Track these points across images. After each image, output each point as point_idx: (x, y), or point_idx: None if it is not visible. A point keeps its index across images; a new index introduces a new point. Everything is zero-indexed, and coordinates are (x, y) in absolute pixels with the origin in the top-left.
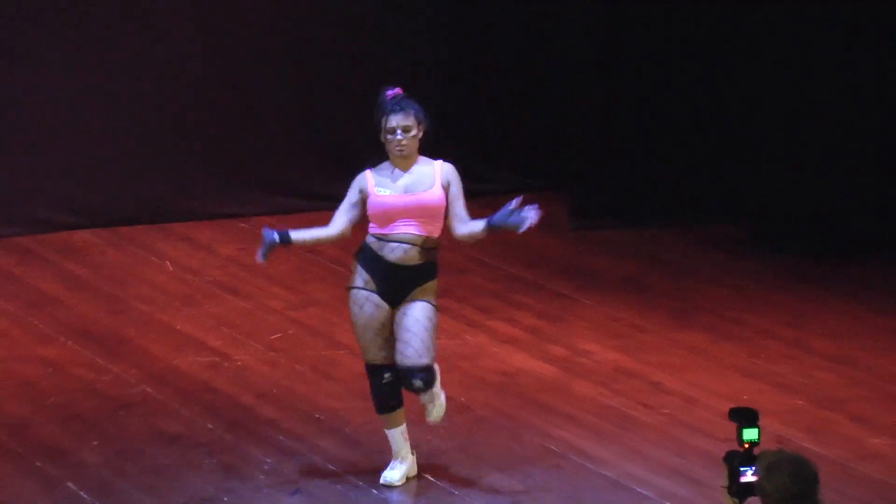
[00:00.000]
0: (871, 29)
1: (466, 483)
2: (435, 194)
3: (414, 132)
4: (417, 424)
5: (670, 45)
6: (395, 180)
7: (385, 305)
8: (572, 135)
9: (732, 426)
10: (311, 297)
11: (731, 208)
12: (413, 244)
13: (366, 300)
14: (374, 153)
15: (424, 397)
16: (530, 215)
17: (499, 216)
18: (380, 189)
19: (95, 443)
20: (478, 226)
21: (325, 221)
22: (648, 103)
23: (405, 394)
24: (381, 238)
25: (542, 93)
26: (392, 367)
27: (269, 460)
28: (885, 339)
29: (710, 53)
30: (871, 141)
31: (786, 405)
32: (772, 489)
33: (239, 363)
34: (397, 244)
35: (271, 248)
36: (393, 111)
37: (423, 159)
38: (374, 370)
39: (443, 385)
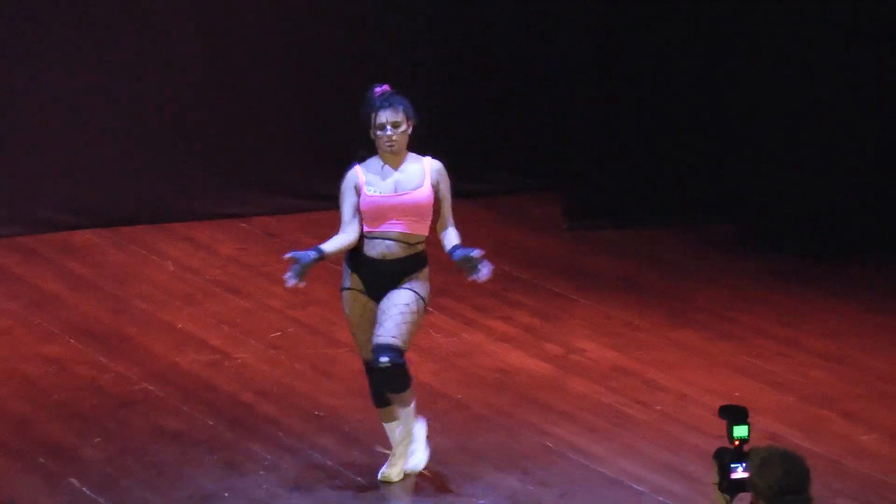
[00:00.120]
0: (869, 28)
1: (464, 480)
2: (424, 193)
3: (403, 128)
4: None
5: (668, 46)
6: (384, 178)
7: (372, 303)
8: (570, 135)
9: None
10: (310, 296)
11: (726, 209)
12: (396, 240)
13: (354, 300)
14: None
15: (394, 398)
16: (483, 272)
17: (459, 255)
18: (369, 188)
19: (97, 440)
20: (446, 242)
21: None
22: (646, 104)
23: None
24: (367, 236)
25: (541, 93)
26: None
27: (268, 457)
28: (877, 338)
29: (708, 54)
30: (865, 142)
31: (779, 403)
32: (764, 485)
33: (239, 361)
34: (380, 240)
35: (309, 267)
36: (382, 107)
37: (411, 156)
38: (368, 367)
39: (441, 383)
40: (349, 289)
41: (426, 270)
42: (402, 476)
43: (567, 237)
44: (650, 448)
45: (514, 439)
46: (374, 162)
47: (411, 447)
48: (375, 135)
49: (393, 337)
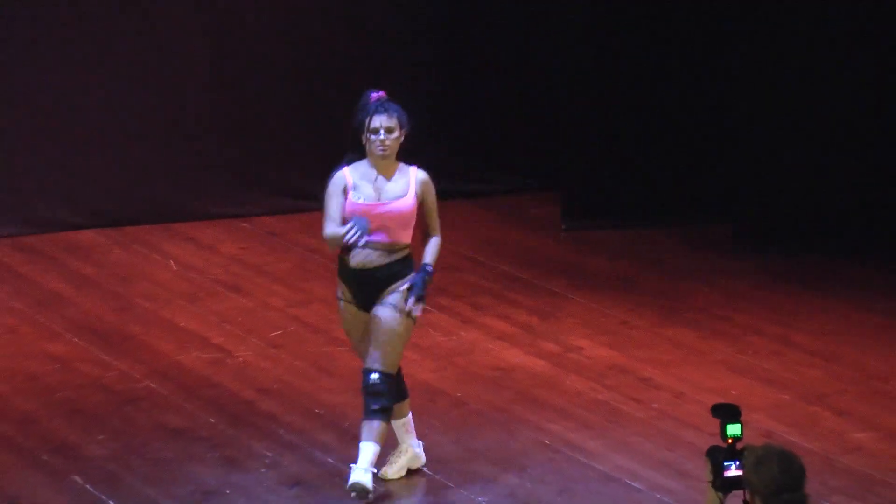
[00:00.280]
0: (866, 28)
1: (462, 476)
2: (407, 203)
3: (396, 134)
4: (416, 417)
5: (666, 46)
6: (370, 184)
7: (361, 313)
8: (568, 136)
9: None
10: (311, 295)
11: (720, 210)
12: (375, 248)
13: (345, 310)
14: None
15: (375, 426)
16: (415, 309)
17: (419, 283)
18: (355, 195)
19: (101, 437)
20: (423, 255)
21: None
22: (644, 105)
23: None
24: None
25: (540, 94)
26: None
27: (270, 454)
28: (870, 336)
29: (707, 54)
30: (859, 143)
31: (772, 400)
32: (760, 483)
33: (241, 359)
34: (359, 249)
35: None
36: (377, 111)
37: (400, 165)
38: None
39: (439, 381)
40: (340, 299)
41: (412, 275)
42: (403, 472)
43: (564, 237)
44: (646, 445)
45: (511, 436)
46: (362, 166)
47: (410, 447)
48: (368, 139)
49: (381, 363)
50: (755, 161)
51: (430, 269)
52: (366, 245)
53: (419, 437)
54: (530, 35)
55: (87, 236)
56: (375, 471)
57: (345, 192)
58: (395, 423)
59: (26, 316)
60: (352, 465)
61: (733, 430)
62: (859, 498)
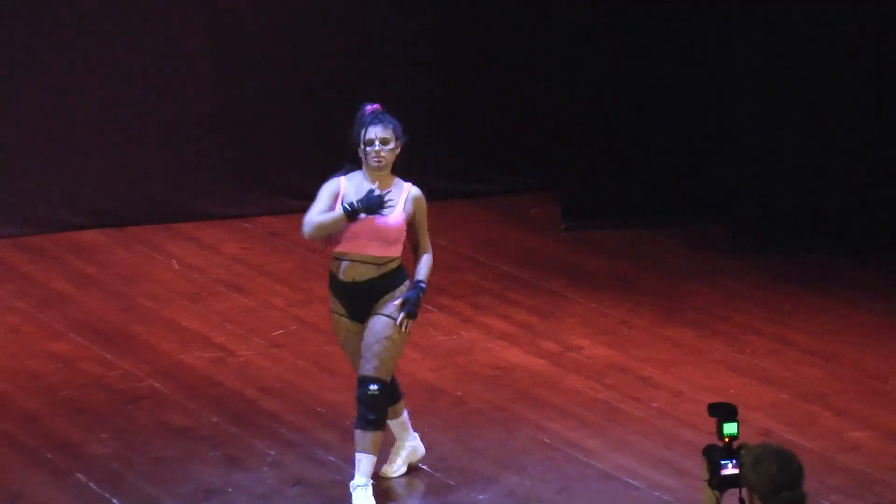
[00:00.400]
0: (866, 28)
1: (462, 474)
2: (396, 218)
3: (392, 146)
4: (416, 416)
5: (664, 47)
6: (362, 196)
7: (354, 326)
8: (568, 137)
9: None
10: (312, 295)
11: (719, 210)
12: (365, 262)
13: (338, 323)
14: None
15: (369, 436)
16: (406, 324)
17: (412, 299)
18: (345, 204)
19: (104, 435)
20: (415, 272)
21: None
22: (642, 106)
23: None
24: (339, 257)
25: (538, 94)
26: None
27: (272, 452)
28: (867, 336)
29: (704, 55)
30: (856, 144)
31: (771, 399)
32: (759, 481)
33: (243, 358)
34: (349, 262)
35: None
36: (373, 123)
37: (396, 180)
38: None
39: (440, 380)
40: (333, 312)
41: (404, 287)
42: (404, 469)
43: (564, 237)
44: (645, 443)
45: (511, 435)
46: (357, 177)
47: (407, 443)
48: (364, 151)
49: (377, 372)
50: (754, 161)
51: (423, 285)
52: (354, 258)
53: (419, 434)
54: (530, 35)
55: (89, 236)
56: (373, 482)
57: (335, 196)
58: (392, 423)
59: (29, 315)
60: (352, 483)
61: (730, 428)
62: (857, 497)
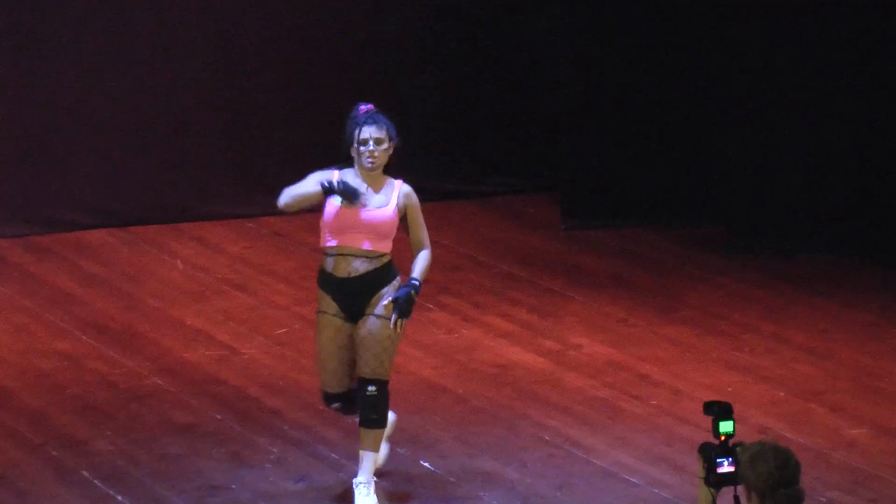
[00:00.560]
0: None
1: (463, 471)
2: (388, 213)
3: (385, 146)
4: (416, 414)
5: (662, 48)
6: None
7: (345, 327)
8: (567, 137)
9: None
10: (315, 293)
11: (716, 211)
12: (357, 256)
13: (328, 324)
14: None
15: (370, 435)
16: (398, 323)
17: (402, 298)
18: (337, 199)
19: (109, 433)
20: (412, 269)
21: None
22: (640, 108)
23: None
24: (330, 253)
25: (538, 94)
26: (344, 395)
27: (275, 449)
28: (859, 334)
29: (699, 55)
30: (852, 144)
31: (767, 397)
32: (757, 479)
33: (246, 356)
34: (342, 257)
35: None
36: (367, 123)
37: (388, 179)
38: (324, 395)
39: (441, 378)
40: (323, 312)
41: (396, 281)
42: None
43: (563, 237)
44: (644, 440)
45: (512, 432)
46: (350, 174)
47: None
48: (358, 150)
49: (375, 372)
50: (750, 162)
51: (416, 283)
52: (348, 252)
53: (420, 431)
54: (530, 35)
55: (96, 236)
56: (376, 479)
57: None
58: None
59: (36, 314)
60: (355, 481)
61: (726, 426)
62: (853, 493)
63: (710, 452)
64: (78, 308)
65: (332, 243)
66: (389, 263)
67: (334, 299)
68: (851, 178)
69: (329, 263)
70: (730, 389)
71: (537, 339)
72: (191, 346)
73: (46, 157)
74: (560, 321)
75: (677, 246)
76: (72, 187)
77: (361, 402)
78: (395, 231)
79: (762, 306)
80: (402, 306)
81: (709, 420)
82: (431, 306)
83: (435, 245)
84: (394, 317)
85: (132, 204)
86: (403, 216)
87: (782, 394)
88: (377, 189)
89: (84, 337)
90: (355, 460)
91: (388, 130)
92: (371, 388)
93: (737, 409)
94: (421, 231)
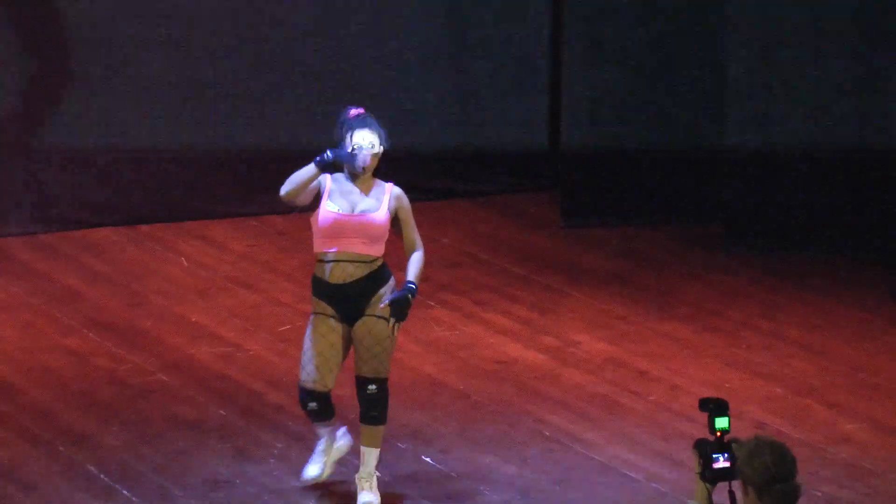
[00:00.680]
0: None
1: (464, 466)
2: (380, 216)
3: (377, 150)
4: (418, 410)
5: (662, 45)
6: (345, 197)
7: (339, 327)
8: (566, 137)
9: None
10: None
11: (713, 209)
12: (351, 261)
13: (321, 322)
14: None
15: (371, 431)
16: (394, 326)
17: (398, 301)
18: (329, 203)
19: (115, 428)
20: (406, 270)
21: None
22: (639, 107)
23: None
24: (324, 259)
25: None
26: (322, 396)
27: (279, 445)
28: (854, 331)
29: (697, 55)
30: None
31: (764, 393)
32: (754, 474)
33: (251, 353)
34: (335, 263)
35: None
36: (359, 126)
37: (376, 181)
38: (303, 392)
39: (442, 374)
40: (318, 314)
41: (391, 283)
42: (332, 469)
43: (563, 235)
44: (643, 436)
45: (512, 428)
46: (341, 177)
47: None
48: (350, 154)
49: (375, 372)
50: (748, 161)
51: (413, 286)
52: (338, 258)
53: (421, 426)
54: (530, 33)
55: (101, 234)
56: (378, 474)
57: (319, 185)
58: (324, 430)
59: (43, 311)
60: (357, 476)
61: (721, 423)
62: (849, 487)
63: (705, 448)
64: (84, 305)
65: (326, 249)
66: (383, 266)
67: (330, 304)
68: (848, 176)
69: (323, 270)
70: (727, 385)
71: (537, 336)
72: (196, 342)
73: (52, 156)
74: (560, 318)
75: (676, 244)
76: (78, 186)
77: (362, 400)
78: (387, 234)
79: (759, 303)
80: (398, 309)
81: (706, 416)
82: (433, 303)
83: (435, 243)
84: (391, 320)
85: (137, 202)
86: (395, 218)
87: (779, 390)
88: (368, 192)
89: (90, 334)
90: (355, 455)
91: (379, 133)
92: (372, 387)
93: (734, 404)
94: (413, 232)
